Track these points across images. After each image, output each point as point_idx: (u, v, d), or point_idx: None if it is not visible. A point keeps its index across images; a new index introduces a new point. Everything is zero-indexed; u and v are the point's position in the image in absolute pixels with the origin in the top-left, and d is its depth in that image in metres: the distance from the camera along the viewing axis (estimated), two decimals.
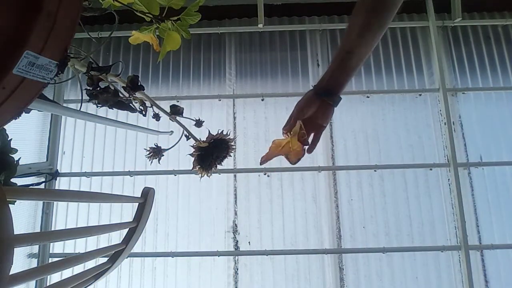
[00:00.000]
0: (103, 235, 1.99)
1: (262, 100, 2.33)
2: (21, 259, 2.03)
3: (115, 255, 0.80)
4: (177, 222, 2.19)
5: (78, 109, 0.78)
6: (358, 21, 0.59)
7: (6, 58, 0.35)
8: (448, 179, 2.20)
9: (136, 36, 0.92)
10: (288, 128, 0.68)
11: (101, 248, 0.72)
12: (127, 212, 2.17)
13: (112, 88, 0.76)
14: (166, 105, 0.84)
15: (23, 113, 0.45)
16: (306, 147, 0.68)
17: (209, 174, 0.82)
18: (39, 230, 2.09)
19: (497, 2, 2.39)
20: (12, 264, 0.40)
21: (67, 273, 0.65)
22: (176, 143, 0.86)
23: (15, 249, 0.41)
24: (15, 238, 0.42)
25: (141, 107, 0.83)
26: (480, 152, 2.22)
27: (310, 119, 0.66)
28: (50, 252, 2.14)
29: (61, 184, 2.25)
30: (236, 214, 2.20)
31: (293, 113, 0.67)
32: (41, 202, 2.13)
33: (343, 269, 2.11)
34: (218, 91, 2.36)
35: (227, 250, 2.15)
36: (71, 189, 2.22)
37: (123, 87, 0.79)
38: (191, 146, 0.80)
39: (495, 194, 2.17)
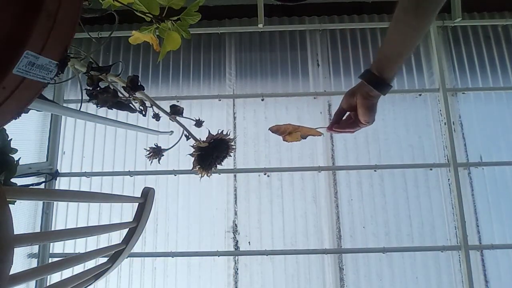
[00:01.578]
0: (103, 235, 1.99)
1: (262, 100, 2.33)
2: (21, 259, 2.03)
3: (115, 255, 0.80)
4: (177, 222, 2.19)
5: (78, 109, 0.78)
6: (393, 17, 0.60)
7: (6, 58, 0.35)
8: (448, 179, 2.20)
9: (136, 36, 0.92)
10: (333, 121, 0.70)
11: (101, 248, 0.72)
12: (127, 212, 2.17)
13: (112, 88, 0.76)
14: (166, 105, 0.84)
15: (23, 113, 0.45)
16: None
17: (209, 174, 0.82)
18: (39, 230, 2.09)
19: (497, 2, 2.39)
20: (12, 264, 0.40)
21: (67, 273, 0.66)
22: (176, 143, 0.86)
23: (15, 249, 0.41)
24: (15, 238, 0.42)
25: (141, 107, 0.83)
26: (480, 152, 2.22)
27: (352, 108, 0.66)
28: (50, 252, 2.14)
29: (61, 184, 2.25)
30: (236, 214, 2.20)
31: (340, 104, 0.69)
32: (41, 202, 2.13)
33: (343, 269, 2.11)
34: (218, 91, 2.36)
35: (227, 250, 2.15)
36: (71, 189, 2.22)
37: (123, 87, 0.79)
38: (191, 146, 0.80)
39: (495, 194, 2.17)
